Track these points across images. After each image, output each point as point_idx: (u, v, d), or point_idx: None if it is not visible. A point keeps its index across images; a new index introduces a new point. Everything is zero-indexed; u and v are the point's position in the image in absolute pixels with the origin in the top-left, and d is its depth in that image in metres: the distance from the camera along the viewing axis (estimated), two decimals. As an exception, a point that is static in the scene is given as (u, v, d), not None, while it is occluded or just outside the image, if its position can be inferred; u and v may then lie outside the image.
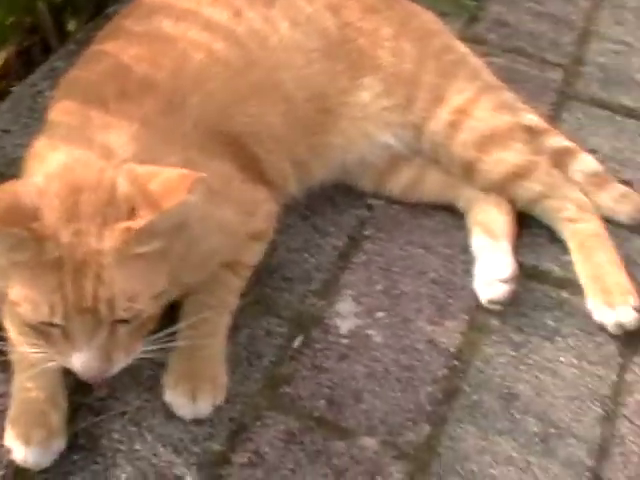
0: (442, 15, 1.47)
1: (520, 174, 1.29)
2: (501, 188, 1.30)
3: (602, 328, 1.23)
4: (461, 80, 1.33)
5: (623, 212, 1.35)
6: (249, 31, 1.24)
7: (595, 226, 1.30)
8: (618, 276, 1.25)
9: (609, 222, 1.33)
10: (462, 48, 1.41)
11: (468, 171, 1.30)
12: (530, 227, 1.33)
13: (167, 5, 1.23)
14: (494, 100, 1.33)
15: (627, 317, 1.22)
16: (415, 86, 1.31)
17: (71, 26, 1.65)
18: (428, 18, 1.39)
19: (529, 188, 1.30)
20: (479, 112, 1.31)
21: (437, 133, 1.30)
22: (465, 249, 1.30)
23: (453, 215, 1.34)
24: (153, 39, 1.17)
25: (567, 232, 1.30)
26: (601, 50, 1.67)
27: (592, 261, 1.27)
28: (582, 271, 1.27)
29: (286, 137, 1.24)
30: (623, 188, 1.37)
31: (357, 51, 1.30)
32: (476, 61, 1.42)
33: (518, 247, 1.30)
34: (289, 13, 1.28)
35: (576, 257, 1.29)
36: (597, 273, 1.26)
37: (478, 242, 1.29)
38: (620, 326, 1.22)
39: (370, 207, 1.35)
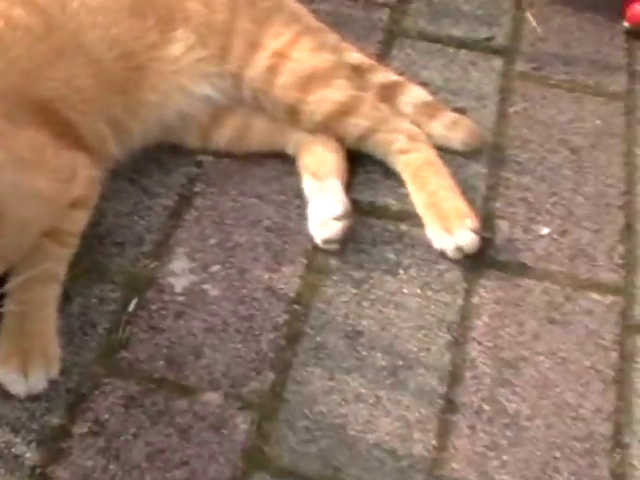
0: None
1: (345, 111, 1.27)
2: (327, 127, 1.27)
3: (444, 256, 1.21)
4: (277, 25, 1.30)
5: (456, 139, 1.34)
6: None
7: (427, 154, 1.28)
8: (454, 201, 1.23)
9: (444, 150, 1.31)
10: None
11: (292, 114, 1.27)
12: (364, 164, 1.30)
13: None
14: (313, 41, 1.30)
15: (465, 240, 1.20)
16: (229, 35, 1.27)
17: None
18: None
19: (356, 124, 1.27)
20: (298, 54, 1.27)
21: (256, 79, 1.27)
22: (298, 194, 1.27)
23: (284, 161, 1.31)
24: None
25: (400, 164, 1.28)
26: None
27: (427, 189, 1.25)
28: (418, 201, 1.25)
29: (99, 98, 1.20)
30: (454, 115, 1.36)
31: (165, 5, 1.26)
32: (295, 6, 1.39)
33: (353, 185, 1.28)
34: None
35: (411, 187, 1.26)
36: (433, 200, 1.24)
37: (308, 185, 1.26)
38: (459, 249, 1.20)
39: (199, 163, 1.31)
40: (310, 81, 1.26)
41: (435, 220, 1.22)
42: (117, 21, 1.23)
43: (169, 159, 1.30)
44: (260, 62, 1.27)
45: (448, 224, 1.21)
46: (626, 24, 1.55)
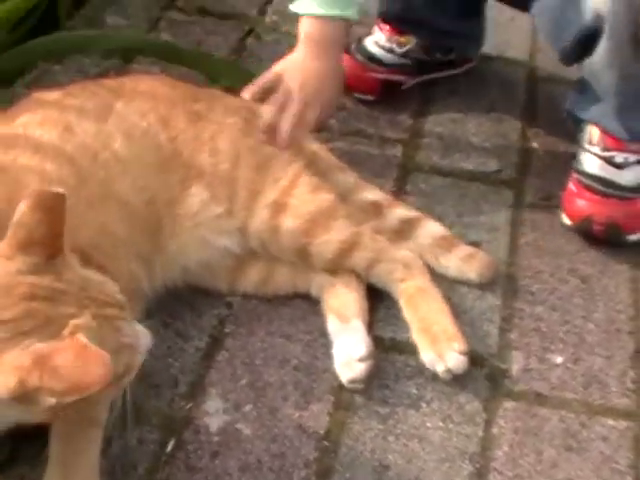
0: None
1: (349, 248, 1.34)
2: (337, 264, 1.35)
3: (464, 387, 1.27)
4: (277, 169, 1.37)
5: (472, 271, 1.41)
6: (79, 147, 1.26)
7: (421, 281, 1.35)
8: (444, 324, 1.31)
9: (461, 282, 1.40)
10: None
11: (301, 258, 1.35)
12: (383, 300, 1.37)
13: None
14: (311, 182, 1.38)
15: (453, 362, 1.27)
16: (233, 184, 1.34)
17: None
18: (249, 118, 1.43)
19: (361, 257, 1.35)
20: (296, 200, 1.35)
21: (260, 230, 1.34)
22: (323, 332, 1.33)
23: (309, 301, 1.37)
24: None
25: (397, 292, 1.36)
26: (439, 120, 1.74)
27: (419, 315, 1.32)
28: (413, 326, 1.32)
29: (130, 240, 1.26)
30: (469, 248, 1.44)
31: (184, 162, 1.33)
32: (306, 144, 1.48)
33: (374, 322, 1.34)
34: (122, 127, 1.31)
35: (406, 314, 1.34)
36: (425, 325, 1.31)
37: (333, 325, 1.32)
38: (449, 371, 1.27)
39: (229, 305, 1.37)
40: (312, 226, 1.34)
41: (427, 344, 1.29)
42: (146, 174, 1.31)
43: (201, 301, 1.37)
44: (262, 213, 1.34)
45: (439, 347, 1.28)
46: (568, 221, 1.54)
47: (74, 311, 1.00)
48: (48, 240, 1.01)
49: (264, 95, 1.49)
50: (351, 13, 1.52)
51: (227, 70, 1.68)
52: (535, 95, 1.82)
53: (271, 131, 1.44)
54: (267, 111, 1.46)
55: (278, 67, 1.52)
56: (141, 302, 1.27)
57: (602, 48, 1.39)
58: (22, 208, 1.01)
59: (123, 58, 1.83)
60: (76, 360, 0.94)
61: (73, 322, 0.98)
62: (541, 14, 1.50)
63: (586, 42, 1.41)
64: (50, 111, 1.31)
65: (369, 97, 1.75)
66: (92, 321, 1.00)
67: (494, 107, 1.78)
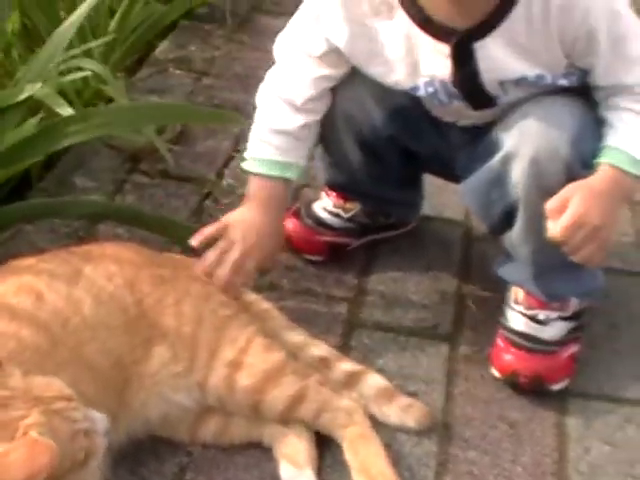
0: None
1: (297, 401, 1.47)
2: (288, 416, 1.47)
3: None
4: (234, 330, 1.50)
5: (410, 419, 1.55)
6: (52, 313, 1.39)
7: (361, 428, 1.48)
8: (381, 467, 1.44)
9: (400, 430, 1.53)
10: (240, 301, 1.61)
11: (255, 412, 1.48)
12: (330, 447, 1.50)
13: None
14: (264, 342, 1.51)
15: None
16: (195, 346, 1.48)
17: None
18: (208, 283, 1.58)
19: (308, 408, 1.48)
20: (251, 359, 1.48)
21: (217, 387, 1.47)
22: (276, 478, 1.45)
23: (262, 449, 1.50)
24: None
25: (340, 437, 1.49)
26: (381, 279, 1.91)
27: (359, 458, 1.45)
28: (353, 469, 1.45)
29: (98, 398, 1.37)
30: (408, 399, 1.57)
31: (149, 323, 1.47)
32: (260, 306, 1.65)
33: (322, 467, 1.47)
34: (92, 291, 1.45)
35: (348, 457, 1.47)
36: (363, 467, 1.44)
37: (285, 472, 1.45)
38: None
39: (190, 453, 1.49)
40: (264, 384, 1.47)
41: None
42: (112, 336, 1.43)
43: (163, 449, 1.49)
44: (220, 371, 1.47)
45: None
46: (497, 373, 1.68)
47: (23, 412, 1.14)
48: None
49: (211, 242, 1.65)
50: (290, 174, 1.69)
51: (186, 233, 1.84)
52: (470, 254, 1.99)
53: (210, 275, 1.59)
54: (209, 256, 1.63)
55: (225, 218, 1.69)
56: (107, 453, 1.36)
57: (518, 224, 1.57)
58: None
59: (91, 220, 1.99)
60: (26, 454, 1.09)
61: (24, 423, 1.13)
62: (469, 193, 1.66)
63: (510, 218, 1.59)
64: (25, 279, 1.44)
65: (318, 258, 1.92)
66: (42, 417, 1.14)
67: (432, 265, 1.94)
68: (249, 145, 1.72)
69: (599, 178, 1.49)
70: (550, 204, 1.45)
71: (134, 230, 1.92)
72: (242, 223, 1.67)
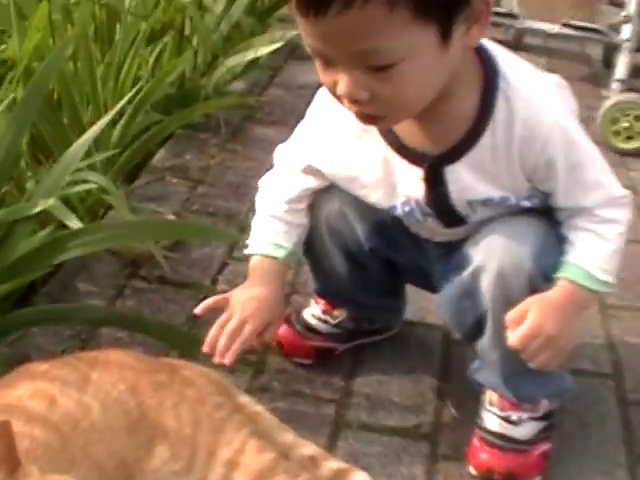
0: (229, 372, 1.85)
1: None
2: None
3: None
4: (230, 432, 1.61)
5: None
6: (64, 416, 1.51)
7: None
8: None
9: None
10: (234, 403, 1.71)
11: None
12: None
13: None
14: (258, 443, 1.62)
15: None
16: (194, 447, 1.59)
17: None
18: (202, 383, 1.69)
19: None
20: (246, 459, 1.59)
21: None
22: None
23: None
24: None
25: None
26: (367, 382, 2.03)
27: None
28: None
29: None
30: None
31: (150, 425, 1.58)
32: (250, 407, 1.74)
33: None
34: (99, 397, 1.57)
35: None
36: None
37: None
38: None
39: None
40: None
41: None
42: (118, 437, 1.54)
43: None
44: (218, 470, 1.58)
45: None
46: (473, 471, 1.80)
47: None
48: (6, 460, 1.27)
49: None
50: (280, 255, 1.84)
51: (182, 338, 1.96)
52: (449, 357, 2.12)
53: (213, 349, 1.72)
54: (211, 331, 1.75)
55: (228, 293, 1.83)
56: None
57: (487, 332, 1.70)
58: None
59: (93, 325, 2.11)
60: None
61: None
62: (443, 304, 1.80)
63: (480, 327, 1.72)
64: (39, 384, 1.56)
65: (307, 361, 2.05)
66: None
67: (414, 368, 2.06)
68: (250, 234, 1.89)
69: (557, 291, 1.64)
70: (510, 315, 1.60)
71: (134, 334, 2.05)
72: (241, 295, 1.82)
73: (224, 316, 1.78)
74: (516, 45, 4.43)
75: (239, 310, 1.78)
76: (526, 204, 1.70)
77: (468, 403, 1.92)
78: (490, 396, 1.81)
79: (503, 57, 1.63)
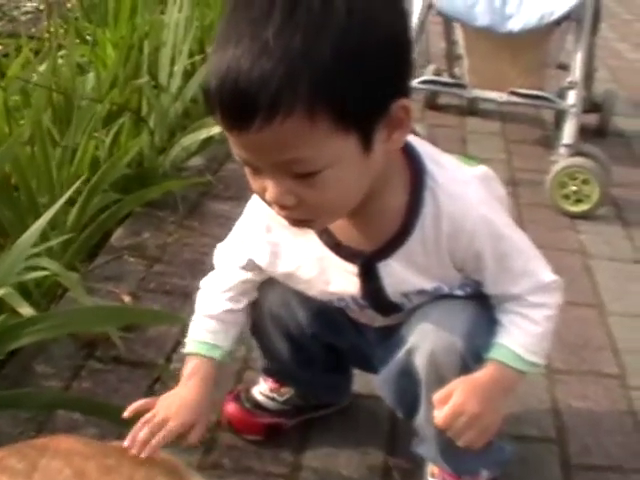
0: (181, 450, 1.89)
1: None
2: None
3: None
4: None
5: None
6: None
7: None
8: None
9: None
10: None
11: None
12: None
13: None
14: None
15: None
16: None
17: None
18: (151, 464, 1.71)
19: None
20: None
21: None
22: None
23: None
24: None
25: None
26: (315, 455, 2.08)
27: None
28: None
29: None
30: None
31: None
32: None
33: None
34: None
35: None
36: None
37: None
38: None
39: None
40: None
41: None
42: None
43: None
44: None
45: None
46: None
47: None
48: None
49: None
50: (216, 355, 1.89)
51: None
52: (397, 429, 2.16)
53: (133, 442, 1.74)
54: (134, 427, 1.79)
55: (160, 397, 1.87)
56: None
57: (422, 409, 1.77)
58: None
59: (49, 408, 2.16)
60: None
61: None
62: (382, 384, 1.87)
63: (417, 404, 1.79)
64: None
65: (256, 438, 2.10)
66: None
67: (362, 441, 2.12)
68: (189, 330, 1.94)
69: (484, 372, 1.71)
70: (436, 396, 1.68)
71: (89, 416, 2.10)
72: (169, 396, 1.87)
73: (149, 414, 1.82)
74: (470, 110, 4.54)
75: (163, 408, 1.82)
76: (459, 292, 1.77)
77: (414, 474, 1.98)
78: (432, 469, 1.87)
79: (428, 154, 1.70)
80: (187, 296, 2.63)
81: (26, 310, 2.10)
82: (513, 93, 3.75)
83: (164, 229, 3.12)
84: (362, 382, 2.23)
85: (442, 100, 4.52)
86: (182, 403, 1.84)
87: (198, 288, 2.00)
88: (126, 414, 1.85)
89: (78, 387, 2.29)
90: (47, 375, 2.34)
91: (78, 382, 2.31)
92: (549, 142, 4.18)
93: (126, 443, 1.78)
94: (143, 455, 1.75)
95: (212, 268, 1.98)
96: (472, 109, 4.58)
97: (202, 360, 1.89)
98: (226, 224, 1.97)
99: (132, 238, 3.06)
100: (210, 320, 1.91)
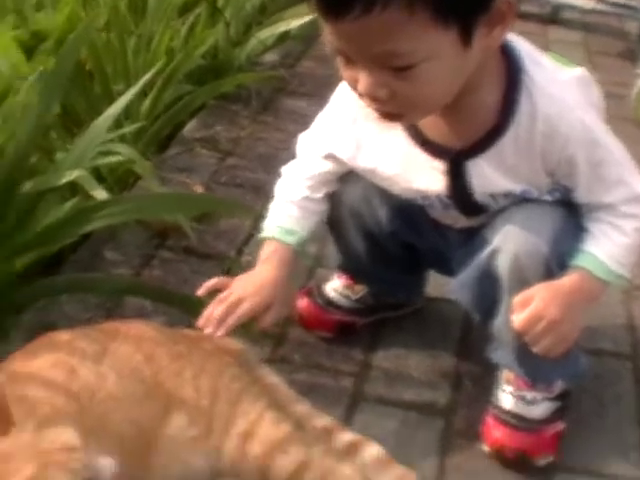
0: (252, 343, 1.88)
1: (301, 469, 1.61)
2: None
3: None
4: (246, 403, 1.65)
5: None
6: (82, 386, 1.56)
7: None
8: None
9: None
10: (252, 375, 1.75)
11: (263, 477, 1.61)
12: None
13: (17, 370, 1.56)
14: (274, 415, 1.65)
15: None
16: (212, 417, 1.62)
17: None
18: (222, 355, 1.73)
19: (312, 476, 1.61)
20: (262, 430, 1.62)
21: (232, 455, 1.61)
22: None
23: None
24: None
25: None
26: (386, 356, 2.06)
27: None
28: None
29: (123, 466, 1.52)
30: (403, 469, 1.70)
31: (166, 393, 1.62)
32: (267, 380, 1.77)
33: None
34: (116, 367, 1.61)
35: None
36: None
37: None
38: None
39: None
40: (273, 452, 1.61)
41: None
42: (136, 404, 1.58)
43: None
44: (234, 440, 1.61)
45: None
46: (486, 448, 1.82)
47: (19, 466, 1.28)
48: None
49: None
50: (292, 240, 1.86)
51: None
52: (469, 334, 2.13)
53: (208, 321, 1.75)
54: (209, 305, 1.79)
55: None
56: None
57: (501, 313, 1.72)
58: None
59: (118, 294, 2.15)
60: None
61: (19, 475, 1.26)
62: (460, 287, 1.82)
63: (496, 308, 1.73)
64: (60, 355, 1.61)
65: (327, 335, 2.08)
66: (34, 470, 1.28)
67: (433, 344, 2.09)
68: (266, 218, 1.92)
69: (567, 279, 1.66)
70: (516, 299, 1.62)
71: (158, 304, 2.09)
72: (244, 277, 1.86)
73: (224, 293, 1.81)
74: (552, 19, 4.41)
75: (239, 288, 1.82)
76: (547, 198, 1.71)
77: (484, 381, 1.94)
78: (506, 375, 1.82)
79: (527, 53, 1.63)
80: (259, 190, 2.61)
81: (100, 193, 2.07)
82: (601, 1, 3.63)
83: (237, 123, 3.08)
84: (435, 285, 2.19)
85: (524, 8, 4.38)
86: (258, 284, 1.83)
87: (271, 182, 1.96)
88: (201, 292, 1.85)
89: (148, 276, 2.28)
90: (117, 262, 2.32)
91: (148, 271, 2.29)
92: (633, 55, 4.04)
93: (200, 322, 1.77)
94: (218, 334, 1.74)
95: (285, 163, 1.95)
96: (554, 17, 4.45)
97: (279, 245, 1.87)
98: (300, 120, 1.93)
99: (204, 130, 3.02)
100: (290, 205, 1.88)
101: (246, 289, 1.82)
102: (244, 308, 1.79)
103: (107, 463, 1.37)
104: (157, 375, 1.64)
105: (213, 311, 1.78)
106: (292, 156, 1.94)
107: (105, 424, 1.54)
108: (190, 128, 3.03)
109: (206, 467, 1.63)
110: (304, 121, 1.91)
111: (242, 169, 2.79)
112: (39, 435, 1.35)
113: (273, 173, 1.96)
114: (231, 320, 1.77)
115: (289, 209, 1.88)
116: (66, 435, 1.36)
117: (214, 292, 1.86)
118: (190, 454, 1.62)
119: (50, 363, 1.58)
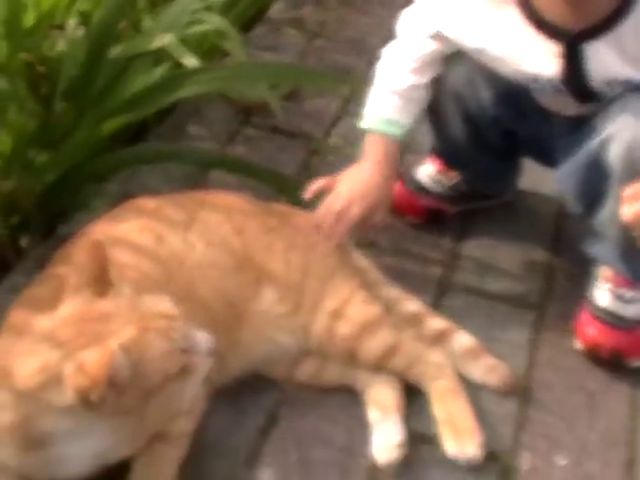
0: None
1: (390, 353, 1.58)
2: (381, 365, 1.59)
3: (478, 478, 1.50)
4: (338, 281, 1.62)
5: (494, 380, 1.65)
6: (169, 253, 1.52)
7: (450, 382, 1.60)
8: (466, 421, 1.55)
9: (483, 388, 1.64)
10: (343, 252, 1.70)
11: (350, 359, 1.59)
12: (416, 396, 1.60)
13: (103, 234, 1.51)
14: (365, 295, 1.62)
15: (472, 452, 1.52)
16: (301, 293, 1.59)
17: (23, 243, 1.88)
18: (311, 229, 1.69)
19: (400, 360, 1.59)
20: (352, 310, 1.59)
21: (319, 334, 1.59)
22: (363, 421, 1.57)
23: (352, 393, 1.61)
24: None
25: (429, 388, 1.60)
26: (476, 246, 1.99)
27: (446, 411, 1.57)
28: (440, 420, 1.56)
29: (215, 337, 1.46)
30: (494, 360, 1.67)
31: (256, 266, 1.58)
32: (357, 262, 1.73)
33: (410, 415, 1.58)
34: (204, 235, 1.57)
35: (435, 407, 1.58)
36: (450, 420, 1.55)
37: (374, 416, 1.56)
38: (467, 461, 1.52)
39: (284, 391, 1.61)
40: (362, 333, 1.58)
41: (451, 436, 1.54)
42: (223, 276, 1.55)
43: (260, 385, 1.60)
44: (323, 319, 1.58)
45: (460, 440, 1.53)
46: (579, 345, 1.76)
47: (120, 327, 1.25)
48: (98, 279, 1.30)
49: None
50: (395, 131, 1.79)
51: (293, 186, 1.93)
52: (562, 229, 2.06)
53: (318, 227, 1.70)
54: (318, 210, 1.74)
55: (339, 175, 1.80)
56: (210, 389, 1.47)
57: (609, 204, 1.63)
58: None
59: (203, 167, 2.10)
60: (98, 358, 1.19)
61: (120, 336, 1.22)
62: (566, 176, 1.73)
63: (603, 199, 1.65)
64: (147, 220, 1.57)
65: (417, 221, 2.01)
66: (134, 332, 1.24)
67: (525, 237, 2.01)
68: (367, 105, 1.83)
69: None
70: (627, 191, 1.52)
71: (243, 179, 2.03)
72: (350, 176, 1.79)
73: (330, 198, 1.75)
74: None
75: (346, 190, 1.75)
76: None
77: (578, 277, 1.86)
78: (604, 272, 1.75)
79: None
80: (347, 73, 2.51)
81: (190, 61, 1.99)
82: None
83: (325, 4, 2.97)
84: (528, 179, 2.10)
85: None
86: (366, 185, 1.76)
87: (360, 66, 1.87)
88: (307, 195, 1.78)
89: (232, 152, 2.22)
90: (201, 137, 2.27)
91: (232, 147, 2.24)
92: None
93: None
94: (332, 243, 1.69)
95: (374, 48, 1.86)
96: None
97: (384, 138, 1.79)
98: (390, 6, 1.83)
99: (292, 11, 2.92)
100: (394, 96, 1.78)
101: (353, 191, 1.75)
102: (354, 213, 1.73)
103: (204, 337, 1.32)
104: (247, 247, 1.60)
105: (324, 219, 1.72)
106: (383, 41, 1.85)
107: (193, 294, 1.50)
108: (277, 9, 2.93)
109: (293, 346, 1.59)
110: (393, 6, 1.82)
111: (330, 51, 2.69)
112: (137, 299, 1.31)
113: (362, 57, 1.88)
114: (342, 228, 1.72)
115: (393, 100, 1.79)
116: (164, 304, 1.32)
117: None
118: (278, 331, 1.58)
119: (137, 228, 1.54)
